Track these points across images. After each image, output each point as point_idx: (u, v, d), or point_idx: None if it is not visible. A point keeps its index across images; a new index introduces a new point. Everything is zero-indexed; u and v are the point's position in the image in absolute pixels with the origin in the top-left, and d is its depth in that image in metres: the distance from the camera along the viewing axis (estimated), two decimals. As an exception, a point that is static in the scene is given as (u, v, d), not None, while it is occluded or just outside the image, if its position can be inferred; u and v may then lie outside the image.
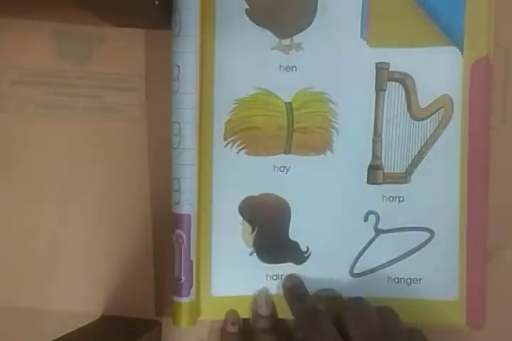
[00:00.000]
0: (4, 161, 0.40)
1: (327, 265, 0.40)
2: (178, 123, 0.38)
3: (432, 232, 0.40)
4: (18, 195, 0.40)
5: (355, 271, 0.40)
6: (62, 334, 0.38)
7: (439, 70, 0.39)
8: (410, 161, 0.40)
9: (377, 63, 0.39)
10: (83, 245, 0.40)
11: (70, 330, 0.39)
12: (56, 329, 0.39)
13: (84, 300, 0.40)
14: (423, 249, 0.40)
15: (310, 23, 0.39)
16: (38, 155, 0.40)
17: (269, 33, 0.39)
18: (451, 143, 0.40)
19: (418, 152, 0.40)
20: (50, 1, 0.34)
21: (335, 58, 0.39)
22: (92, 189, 0.40)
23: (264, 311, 0.39)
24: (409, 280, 0.40)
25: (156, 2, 0.35)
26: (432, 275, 0.40)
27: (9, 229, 0.40)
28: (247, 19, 0.39)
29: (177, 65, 0.38)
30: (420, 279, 0.40)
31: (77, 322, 0.39)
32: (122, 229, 0.39)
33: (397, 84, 0.39)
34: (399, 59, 0.39)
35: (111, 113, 0.40)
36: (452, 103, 0.40)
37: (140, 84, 0.40)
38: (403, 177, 0.40)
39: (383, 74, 0.39)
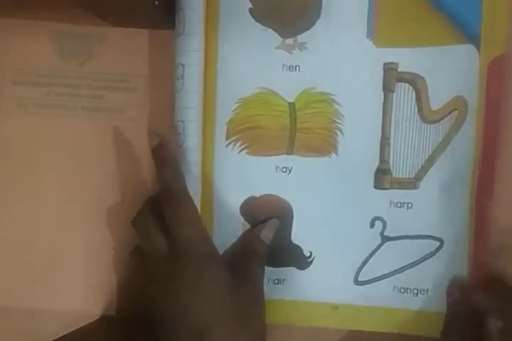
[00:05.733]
0: (4, 161, 0.40)
1: (331, 271, 0.39)
2: (182, 122, 0.38)
3: (441, 241, 0.38)
4: (19, 195, 0.40)
5: (359, 279, 0.39)
6: (62, 334, 0.39)
7: (452, 70, 0.37)
8: (420, 166, 0.38)
9: (385, 63, 0.38)
10: (83, 245, 0.40)
11: (70, 330, 0.39)
12: (56, 329, 0.39)
13: (84, 300, 0.40)
14: (431, 258, 0.38)
15: (314, 23, 0.38)
16: (38, 155, 0.40)
17: (272, 32, 0.38)
18: (465, 147, 0.38)
19: (429, 157, 0.38)
20: (50, 0, 0.33)
21: (339, 58, 0.38)
22: (92, 189, 0.40)
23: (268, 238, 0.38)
24: (415, 291, 0.39)
25: (156, 2, 0.35)
26: (439, 286, 0.38)
27: (9, 229, 0.40)
28: (251, 18, 0.38)
29: (181, 64, 0.37)
30: (427, 290, 0.38)
31: (77, 322, 0.39)
32: (123, 229, 0.39)
33: (407, 85, 0.38)
34: (408, 59, 0.37)
35: (111, 113, 0.40)
36: (467, 105, 0.38)
37: (140, 84, 0.40)
38: (412, 183, 0.38)
39: (391, 75, 0.38)
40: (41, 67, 0.40)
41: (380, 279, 0.39)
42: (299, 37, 0.38)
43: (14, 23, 0.39)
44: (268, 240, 0.38)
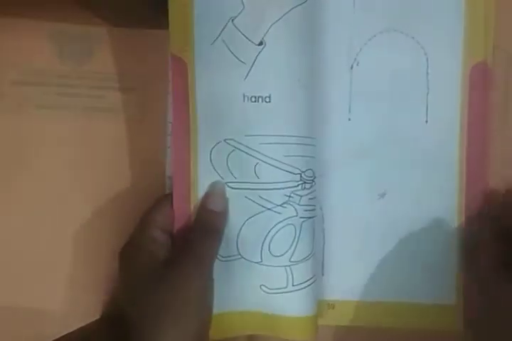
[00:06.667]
0: (4, 161, 0.40)
1: None
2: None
3: None
4: (18, 195, 0.40)
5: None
6: (62, 334, 0.39)
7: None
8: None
9: None
10: (83, 245, 0.40)
11: (70, 330, 0.39)
12: (56, 329, 0.39)
13: (84, 300, 0.40)
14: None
15: None
16: (37, 155, 0.40)
17: None
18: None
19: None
20: (50, 0, 0.33)
21: None
22: (92, 188, 0.40)
23: (219, 205, 0.35)
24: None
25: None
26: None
27: (9, 229, 0.40)
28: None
29: None
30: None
31: (77, 322, 0.39)
32: (122, 229, 0.39)
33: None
34: None
35: (111, 113, 0.40)
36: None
37: (140, 84, 0.40)
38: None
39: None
40: (41, 67, 0.40)
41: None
42: None
43: (14, 22, 0.39)
44: (221, 208, 0.35)
